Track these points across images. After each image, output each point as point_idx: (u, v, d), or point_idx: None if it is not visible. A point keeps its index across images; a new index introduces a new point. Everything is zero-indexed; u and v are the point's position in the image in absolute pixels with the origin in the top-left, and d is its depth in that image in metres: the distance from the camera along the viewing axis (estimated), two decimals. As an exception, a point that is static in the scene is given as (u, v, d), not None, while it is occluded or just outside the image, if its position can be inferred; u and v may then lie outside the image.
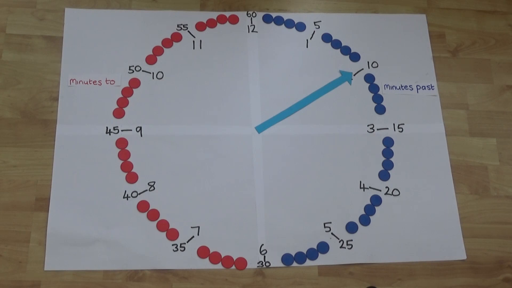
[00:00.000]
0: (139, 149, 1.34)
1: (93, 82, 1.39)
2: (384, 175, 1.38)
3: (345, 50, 1.49)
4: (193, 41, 1.46)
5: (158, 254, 1.26)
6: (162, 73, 1.42)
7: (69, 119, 1.35)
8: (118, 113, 1.37)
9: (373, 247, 1.31)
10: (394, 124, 1.43)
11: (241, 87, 1.43)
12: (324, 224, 1.32)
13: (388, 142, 1.41)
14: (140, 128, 1.36)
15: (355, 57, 1.49)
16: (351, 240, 1.31)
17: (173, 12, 1.49)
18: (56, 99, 1.36)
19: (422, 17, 1.55)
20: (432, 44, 1.52)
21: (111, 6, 1.47)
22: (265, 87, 1.43)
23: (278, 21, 1.51)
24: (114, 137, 1.35)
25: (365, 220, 1.33)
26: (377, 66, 1.48)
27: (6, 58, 1.39)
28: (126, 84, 1.40)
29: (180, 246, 1.27)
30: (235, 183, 1.33)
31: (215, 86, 1.42)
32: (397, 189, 1.37)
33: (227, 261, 1.27)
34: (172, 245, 1.27)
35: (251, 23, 1.49)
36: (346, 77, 1.47)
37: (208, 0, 1.51)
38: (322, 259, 1.29)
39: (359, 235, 1.32)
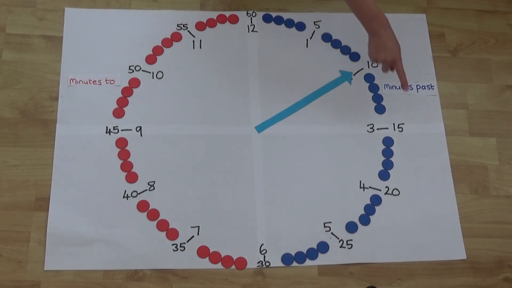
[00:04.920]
0: (139, 149, 1.34)
1: (93, 81, 1.39)
2: (384, 175, 1.38)
3: (345, 50, 1.49)
4: (193, 41, 1.46)
5: (158, 254, 1.26)
6: (162, 72, 1.42)
7: (69, 119, 1.35)
8: (118, 113, 1.37)
9: (373, 247, 1.31)
10: (394, 124, 1.43)
11: (241, 87, 1.43)
12: (324, 224, 1.32)
13: (388, 141, 1.41)
14: (140, 128, 1.36)
15: (355, 57, 1.49)
16: (351, 240, 1.31)
17: (173, 12, 1.49)
18: (56, 99, 1.36)
19: (422, 17, 1.55)
20: (432, 44, 1.52)
21: (111, 6, 1.47)
22: (265, 86, 1.43)
23: (278, 20, 1.51)
24: (114, 136, 1.35)
25: (365, 220, 1.33)
26: (377, 65, 1.48)
27: (6, 58, 1.39)
28: (126, 84, 1.40)
29: (180, 246, 1.27)
30: (235, 183, 1.33)
31: (215, 86, 1.42)
32: (397, 189, 1.36)
33: (227, 261, 1.27)
34: (172, 244, 1.27)
35: (251, 22, 1.49)
36: (346, 76, 1.46)
37: (208, 0, 1.51)
38: (322, 259, 1.29)
39: (359, 235, 1.32)
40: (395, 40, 1.27)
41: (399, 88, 1.46)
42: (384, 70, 1.32)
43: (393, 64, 1.28)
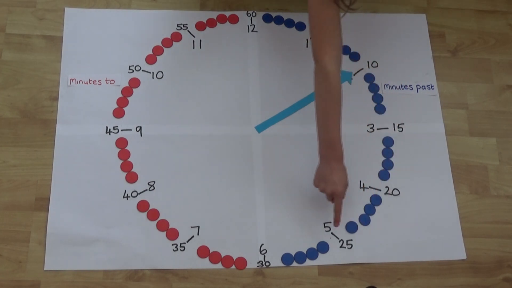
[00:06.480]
0: (139, 149, 1.34)
1: (93, 81, 1.39)
2: (384, 175, 1.38)
3: (345, 50, 1.49)
4: (193, 41, 1.46)
5: (158, 254, 1.26)
6: (162, 73, 1.42)
7: (69, 119, 1.35)
8: (118, 113, 1.37)
9: (373, 247, 1.31)
10: (394, 124, 1.43)
11: (241, 87, 1.43)
12: (324, 224, 1.32)
13: (388, 141, 1.41)
14: (140, 128, 1.36)
15: (355, 57, 1.49)
16: (351, 240, 1.31)
17: (173, 12, 1.49)
18: (56, 99, 1.36)
19: (422, 17, 1.55)
20: (432, 44, 1.52)
21: (110, 6, 1.47)
22: (265, 86, 1.43)
23: (278, 20, 1.51)
24: (114, 136, 1.35)
25: (365, 220, 1.33)
26: (377, 65, 1.48)
27: (6, 58, 1.39)
28: (126, 84, 1.40)
29: (180, 246, 1.27)
30: (235, 183, 1.33)
31: (215, 86, 1.42)
32: (397, 189, 1.36)
33: (227, 261, 1.27)
34: (172, 244, 1.27)
35: (251, 22, 1.49)
36: (346, 76, 1.46)
37: (208, 0, 1.51)
38: (322, 259, 1.29)
39: (359, 235, 1.32)
40: (344, 177, 1.21)
41: (399, 88, 1.46)
42: (327, 199, 1.26)
43: (334, 197, 1.23)
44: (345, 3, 1.17)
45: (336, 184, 1.20)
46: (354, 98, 1.44)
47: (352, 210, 1.34)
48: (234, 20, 1.49)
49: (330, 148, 1.21)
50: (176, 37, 1.46)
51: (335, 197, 1.22)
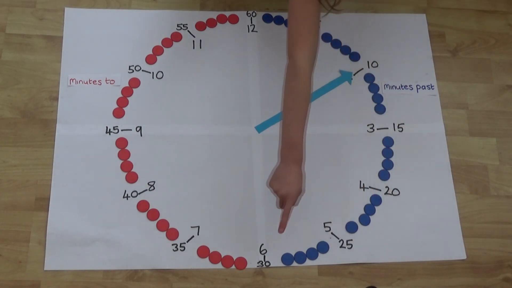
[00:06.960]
0: (139, 149, 1.34)
1: (93, 81, 1.39)
2: (384, 175, 1.38)
3: (345, 50, 1.49)
4: (193, 41, 1.46)
5: (158, 254, 1.26)
6: (162, 72, 1.42)
7: (69, 119, 1.35)
8: (118, 113, 1.37)
9: (373, 246, 1.31)
10: (394, 124, 1.43)
11: (241, 87, 1.43)
12: (324, 223, 1.32)
13: (388, 141, 1.41)
14: (140, 127, 1.36)
15: (355, 57, 1.49)
16: (351, 240, 1.31)
17: (173, 12, 1.49)
18: (56, 98, 1.36)
19: (422, 16, 1.55)
20: (432, 44, 1.52)
21: (111, 6, 1.47)
22: (265, 86, 1.43)
23: (278, 20, 1.51)
24: (114, 136, 1.35)
25: (365, 220, 1.33)
26: (377, 65, 1.48)
27: (6, 58, 1.39)
28: (126, 84, 1.40)
29: (180, 246, 1.27)
30: (235, 183, 1.33)
31: (215, 86, 1.42)
32: (397, 189, 1.36)
33: (227, 261, 1.27)
34: (172, 244, 1.27)
35: (251, 22, 1.49)
36: (346, 77, 1.46)
37: (208, 0, 1.51)
38: (322, 259, 1.29)
39: (359, 234, 1.32)
40: (299, 181, 1.17)
41: (399, 88, 1.46)
42: (278, 204, 1.23)
43: (284, 200, 1.18)
44: (329, 3, 1.15)
45: (291, 186, 1.17)
46: (354, 98, 1.44)
47: (352, 210, 1.34)
48: (234, 20, 1.49)
49: (291, 149, 1.18)
50: (176, 37, 1.46)
51: (287, 200, 1.18)
